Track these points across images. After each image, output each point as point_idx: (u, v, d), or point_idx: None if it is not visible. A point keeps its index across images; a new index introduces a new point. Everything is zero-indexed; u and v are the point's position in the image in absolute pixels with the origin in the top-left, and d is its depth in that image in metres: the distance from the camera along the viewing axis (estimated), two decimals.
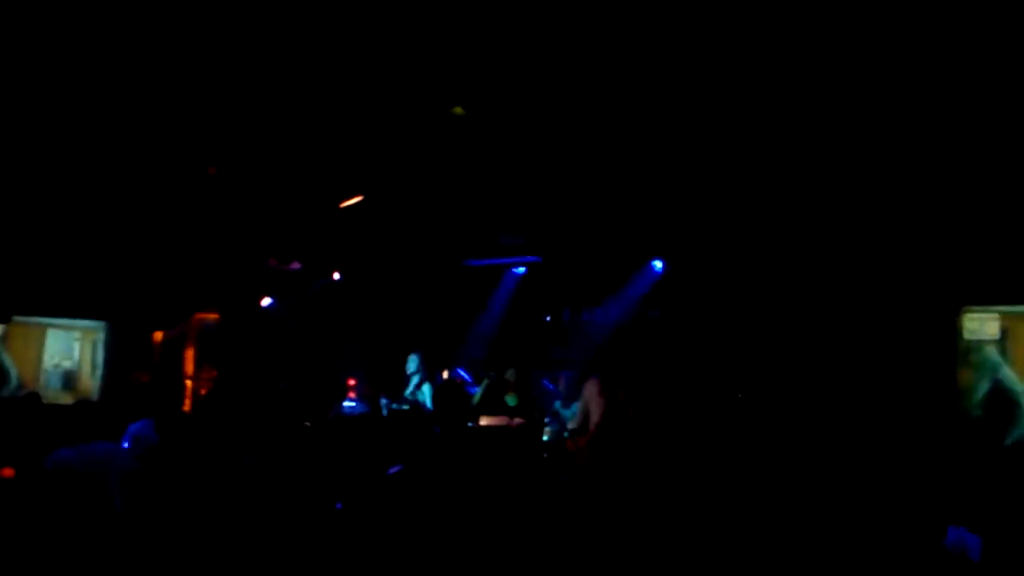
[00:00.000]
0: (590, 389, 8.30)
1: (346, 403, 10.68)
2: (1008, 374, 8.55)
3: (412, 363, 10.08)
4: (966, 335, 8.96)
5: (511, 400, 9.54)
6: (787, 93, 5.65)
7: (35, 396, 8.00)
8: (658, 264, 10.27)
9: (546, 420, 10.03)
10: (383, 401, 10.19)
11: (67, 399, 12.32)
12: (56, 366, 13.43)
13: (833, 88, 4.98)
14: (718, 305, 9.49)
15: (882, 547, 4.24)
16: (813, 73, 4.91)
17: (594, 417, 8.14)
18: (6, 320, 12.47)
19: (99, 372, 13.44)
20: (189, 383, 13.42)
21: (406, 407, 9.63)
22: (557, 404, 10.15)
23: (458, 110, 7.30)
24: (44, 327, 13.31)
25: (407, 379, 10.25)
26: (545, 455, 9.53)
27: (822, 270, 7.26)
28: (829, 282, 7.18)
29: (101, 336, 13.52)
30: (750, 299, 8.33)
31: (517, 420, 9.33)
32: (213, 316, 13.61)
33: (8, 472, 6.62)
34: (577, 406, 8.69)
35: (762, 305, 8.13)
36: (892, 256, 7.17)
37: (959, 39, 4.95)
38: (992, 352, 8.57)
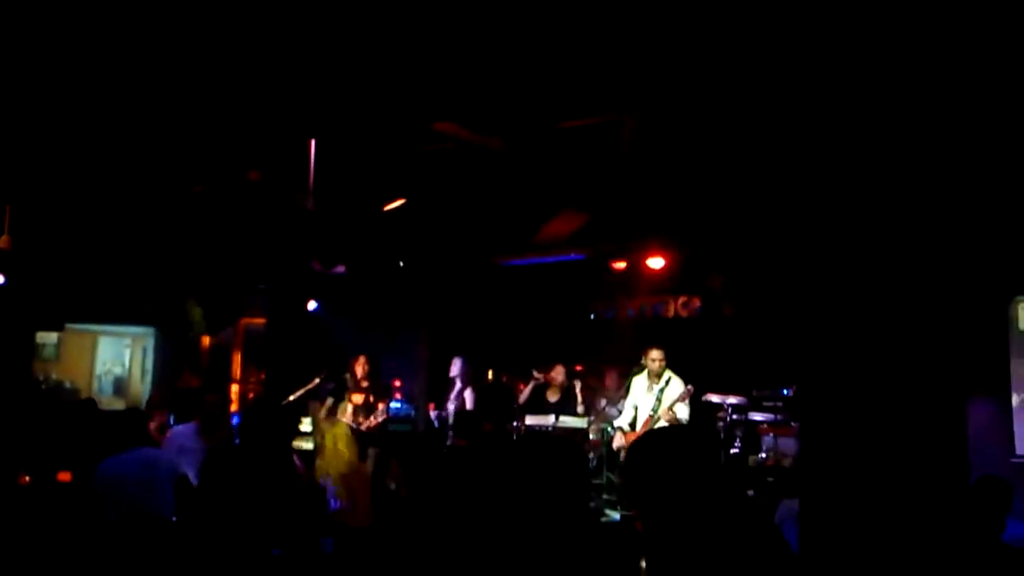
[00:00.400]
0: (638, 385, 8.29)
1: (392, 404, 10.76)
2: None
3: (455, 367, 10.12)
4: (1021, 325, 8.79)
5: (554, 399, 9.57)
6: (833, 83, 5.57)
7: (91, 402, 8.15)
8: (702, 258, 10.19)
9: (591, 418, 10.02)
10: (433, 414, 10.25)
11: (119, 404, 12.56)
12: (107, 372, 13.70)
13: (878, 79, 4.90)
14: (763, 299, 9.39)
15: (938, 541, 4.18)
16: (855, 64, 4.84)
17: (643, 414, 8.12)
18: (59, 328, 12.72)
19: (148, 377, 13.68)
20: (236, 387, 13.60)
21: (452, 413, 9.67)
22: (603, 402, 10.11)
23: None
24: (96, 334, 13.57)
25: (451, 382, 10.29)
26: (591, 455, 9.54)
27: (869, 259, 7.13)
28: (875, 271, 7.06)
29: (150, 342, 13.77)
30: (794, 292, 8.20)
31: (563, 419, 9.34)
32: (259, 321, 13.76)
33: (65, 476, 6.76)
34: (624, 403, 8.68)
35: (807, 297, 7.99)
36: (940, 243, 7.01)
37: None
38: None
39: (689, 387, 8.13)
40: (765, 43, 5.18)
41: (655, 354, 8.19)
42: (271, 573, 3.86)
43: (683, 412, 8.01)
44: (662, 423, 7.78)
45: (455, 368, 10.23)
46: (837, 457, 4.59)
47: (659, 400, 8.01)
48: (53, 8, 5.55)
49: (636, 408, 8.31)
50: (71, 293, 11.83)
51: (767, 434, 9.08)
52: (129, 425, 5.87)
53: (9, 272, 11.10)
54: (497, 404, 10.05)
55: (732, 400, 9.18)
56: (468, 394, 9.94)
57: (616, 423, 8.71)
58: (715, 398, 9.17)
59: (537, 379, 9.91)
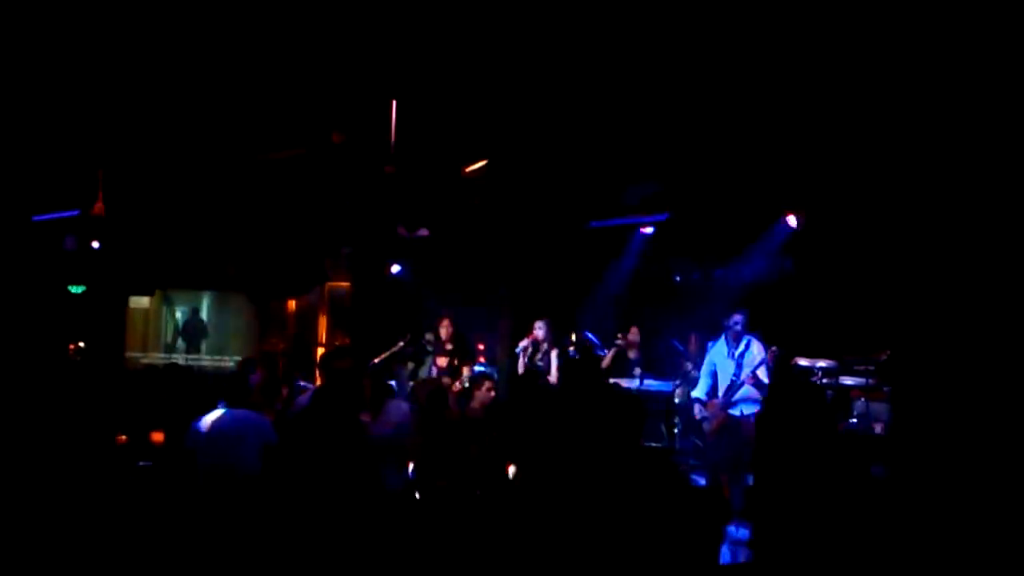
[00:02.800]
0: (716, 352, 8.07)
1: (476, 367, 10.76)
2: None
3: (542, 330, 10.01)
4: None
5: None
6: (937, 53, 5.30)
7: (175, 366, 8.34)
8: (792, 220, 9.84)
9: (676, 383, 9.87)
10: (519, 350, 10.06)
11: None
12: None
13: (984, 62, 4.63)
14: (858, 265, 9.02)
15: None
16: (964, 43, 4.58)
17: (723, 380, 7.91)
18: (150, 293, 13.06)
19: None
20: (322, 350, 13.79)
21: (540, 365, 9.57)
22: (689, 366, 9.95)
23: None
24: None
25: (537, 346, 10.19)
26: (676, 419, 9.42)
27: (973, 223, 6.80)
28: (980, 234, 6.73)
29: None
30: (888, 259, 7.88)
31: (647, 382, 9.25)
32: (344, 284, 13.91)
33: (158, 436, 6.96)
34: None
35: (905, 268, 7.67)
36: None
37: None
38: None
39: (772, 348, 7.91)
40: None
41: (736, 317, 7.97)
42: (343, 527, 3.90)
43: (766, 377, 7.79)
44: (746, 389, 7.58)
45: (542, 331, 10.10)
46: (931, 425, 4.41)
47: (739, 365, 7.79)
48: None
49: (714, 376, 8.07)
50: (162, 258, 12.13)
51: (858, 399, 8.82)
52: (232, 385, 5.95)
53: (103, 238, 11.42)
54: (582, 367, 10.01)
55: (821, 364, 8.93)
56: (553, 356, 9.85)
57: (693, 394, 8.51)
58: (804, 362, 8.93)
59: (619, 344, 9.83)
